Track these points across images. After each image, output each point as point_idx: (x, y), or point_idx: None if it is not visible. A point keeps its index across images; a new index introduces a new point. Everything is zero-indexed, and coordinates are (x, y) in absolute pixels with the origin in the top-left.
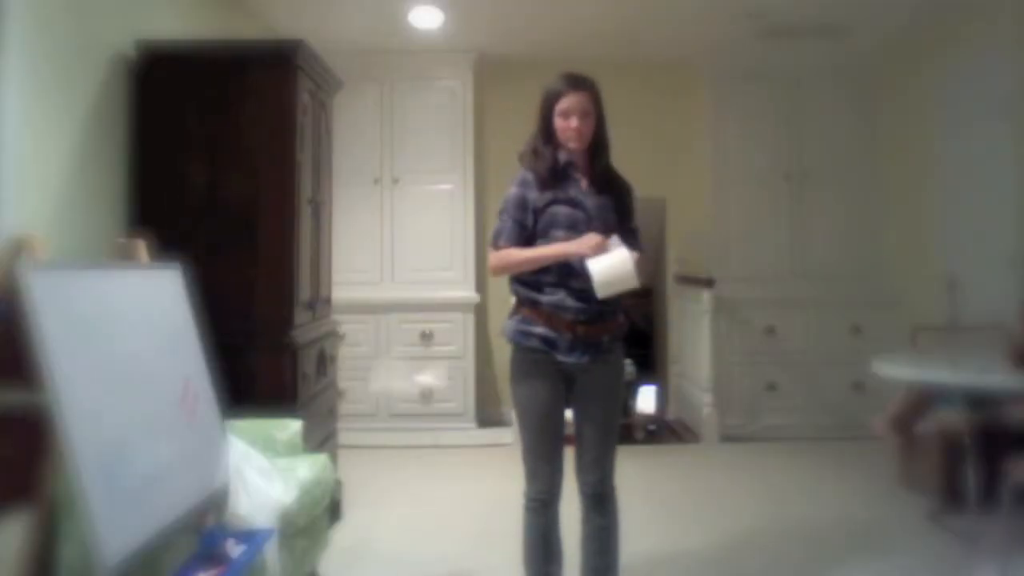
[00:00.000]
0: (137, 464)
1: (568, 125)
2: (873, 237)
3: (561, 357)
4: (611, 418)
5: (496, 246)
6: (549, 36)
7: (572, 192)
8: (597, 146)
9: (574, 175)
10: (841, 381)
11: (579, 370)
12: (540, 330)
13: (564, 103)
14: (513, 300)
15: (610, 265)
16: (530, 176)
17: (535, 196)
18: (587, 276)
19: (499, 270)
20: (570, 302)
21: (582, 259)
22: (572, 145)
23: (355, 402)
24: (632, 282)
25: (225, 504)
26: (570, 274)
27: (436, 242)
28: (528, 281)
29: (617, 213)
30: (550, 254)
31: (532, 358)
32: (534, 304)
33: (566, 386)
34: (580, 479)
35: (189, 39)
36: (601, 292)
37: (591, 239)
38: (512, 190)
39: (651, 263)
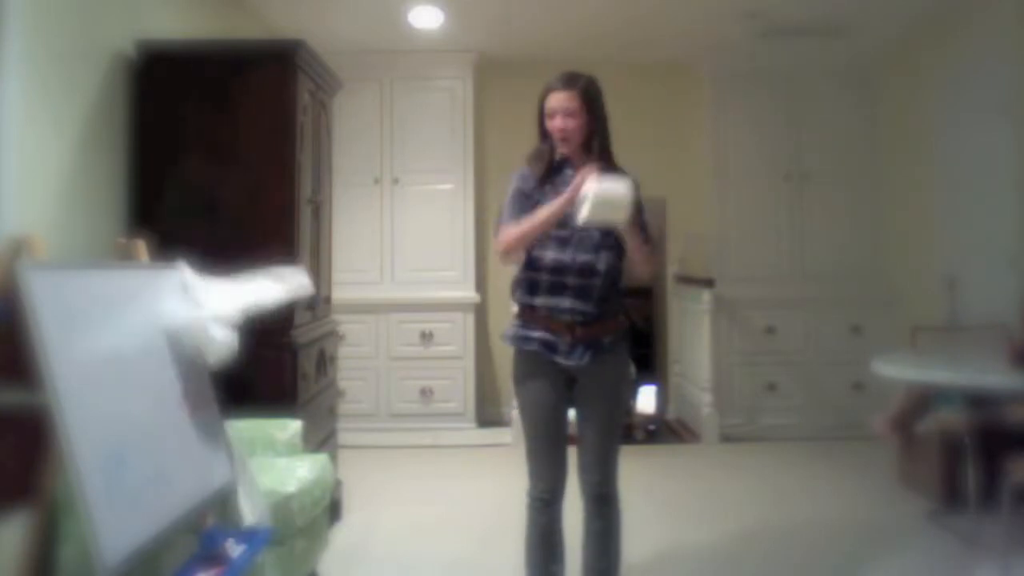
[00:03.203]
0: (137, 464)
1: (553, 125)
2: (873, 237)
3: (561, 359)
4: (613, 419)
5: (496, 232)
6: (549, 36)
7: (564, 189)
8: (592, 144)
9: (568, 172)
10: (841, 381)
11: (580, 371)
12: (539, 334)
13: (548, 103)
14: (514, 306)
15: (607, 187)
16: (527, 171)
17: (531, 188)
18: (580, 271)
19: (505, 249)
20: (566, 303)
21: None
22: (560, 146)
23: (355, 402)
24: (623, 212)
25: (225, 504)
26: (565, 273)
27: (436, 242)
28: (526, 283)
29: None
30: (551, 212)
31: (533, 360)
32: (532, 308)
33: (568, 386)
34: (582, 479)
35: (189, 39)
36: (590, 212)
37: (586, 173)
38: (515, 182)
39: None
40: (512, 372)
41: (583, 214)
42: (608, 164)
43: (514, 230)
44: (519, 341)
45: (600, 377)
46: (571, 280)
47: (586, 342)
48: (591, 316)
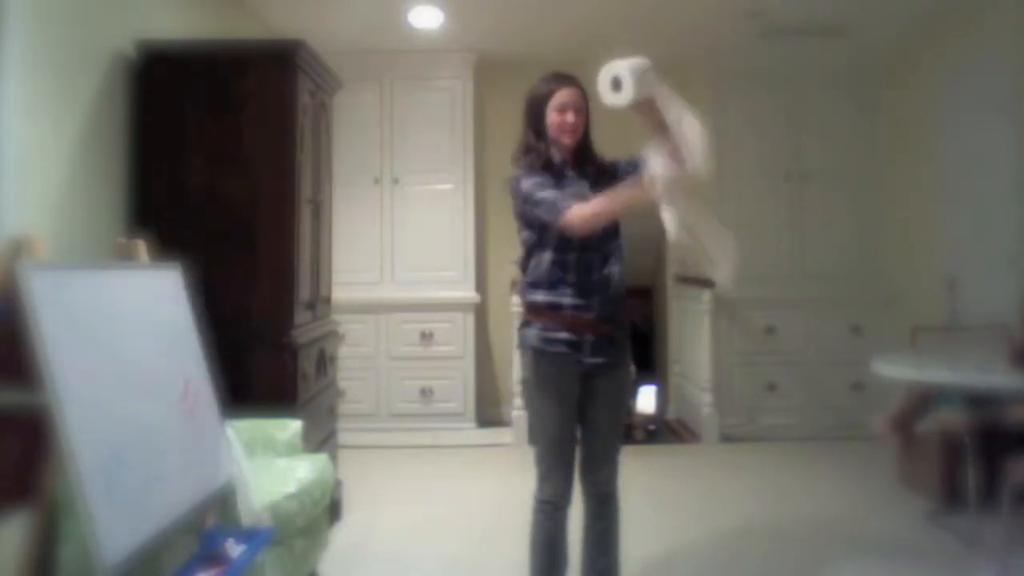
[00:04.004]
0: (137, 464)
1: (564, 120)
2: (873, 237)
3: (587, 358)
4: (620, 417)
5: (562, 209)
6: (549, 36)
7: (575, 186)
8: (585, 142)
9: (567, 172)
10: (841, 381)
11: (599, 370)
12: (564, 335)
13: (559, 98)
14: (520, 306)
15: (632, 61)
16: (525, 169)
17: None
18: (603, 262)
19: (587, 221)
20: (596, 300)
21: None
22: (566, 140)
23: (355, 402)
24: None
25: (226, 504)
26: (590, 270)
27: (436, 242)
28: (546, 284)
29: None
30: (627, 197)
31: (556, 362)
32: (556, 308)
33: (581, 386)
34: (586, 478)
35: (189, 39)
36: (639, 84)
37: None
38: (527, 180)
39: (652, 263)
40: (531, 376)
41: (629, 91)
42: (593, 160)
43: (598, 206)
44: (544, 343)
45: (613, 374)
46: (597, 276)
47: (606, 339)
48: (610, 313)
